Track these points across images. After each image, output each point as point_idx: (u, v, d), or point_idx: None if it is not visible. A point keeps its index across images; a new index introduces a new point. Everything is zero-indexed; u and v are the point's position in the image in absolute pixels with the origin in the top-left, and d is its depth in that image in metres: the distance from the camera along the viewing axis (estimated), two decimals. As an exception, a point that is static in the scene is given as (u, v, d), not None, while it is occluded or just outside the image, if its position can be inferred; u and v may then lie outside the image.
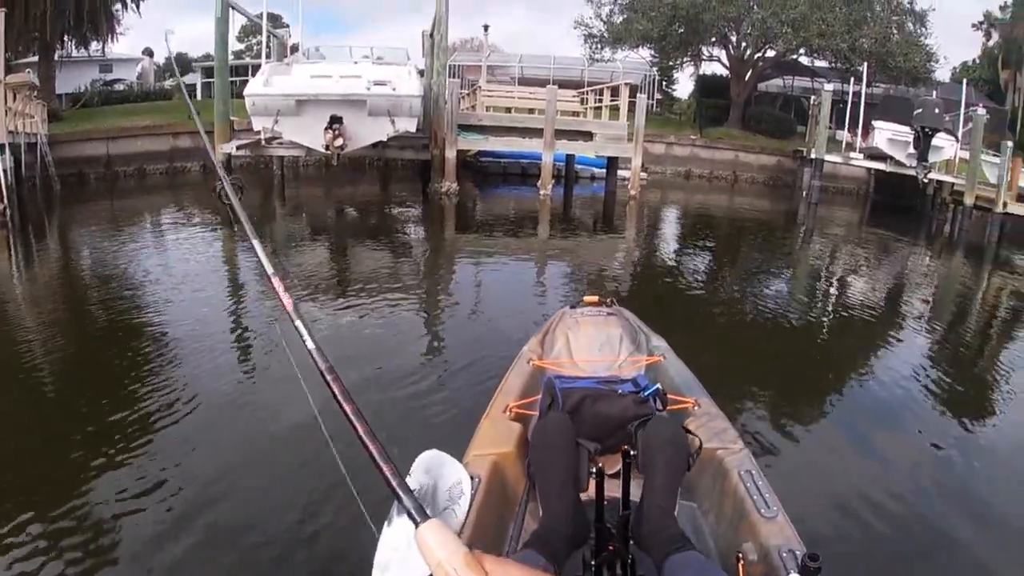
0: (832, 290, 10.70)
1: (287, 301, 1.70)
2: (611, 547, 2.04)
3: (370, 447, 1.27)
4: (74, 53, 26.80)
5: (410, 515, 1.21)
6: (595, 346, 3.84)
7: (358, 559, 2.30)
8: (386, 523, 1.95)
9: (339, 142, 13.41)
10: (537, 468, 2.49)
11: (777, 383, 6.00)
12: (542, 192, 15.98)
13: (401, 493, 1.18)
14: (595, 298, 4.51)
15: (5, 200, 12.88)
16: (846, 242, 15.33)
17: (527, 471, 2.68)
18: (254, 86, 13.72)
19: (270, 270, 2.00)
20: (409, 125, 13.96)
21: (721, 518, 2.54)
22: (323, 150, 13.80)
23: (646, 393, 2.97)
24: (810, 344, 7.64)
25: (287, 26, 24.67)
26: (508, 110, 19.89)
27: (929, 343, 8.03)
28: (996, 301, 10.93)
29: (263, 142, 14.51)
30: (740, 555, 2.17)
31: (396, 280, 9.14)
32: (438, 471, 2.06)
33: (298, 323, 1.61)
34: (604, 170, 18.47)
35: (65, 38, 23.78)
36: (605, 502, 2.05)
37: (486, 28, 27.44)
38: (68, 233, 13.74)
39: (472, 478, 2.26)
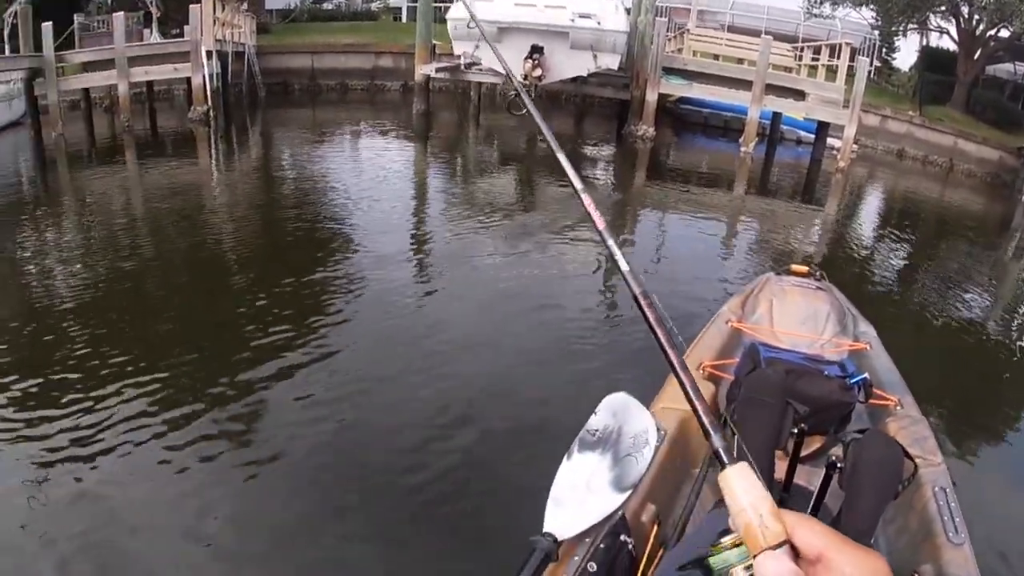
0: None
1: (599, 221, 1.53)
2: None
3: (682, 377, 1.07)
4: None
5: (717, 455, 1.04)
6: (799, 319, 3.50)
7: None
8: (565, 457, 2.05)
9: (538, 72, 13.00)
10: (742, 417, 2.43)
11: (979, 397, 5.42)
12: (743, 149, 14.86)
13: (711, 431, 1.03)
14: (804, 268, 4.22)
15: (209, 102, 13.65)
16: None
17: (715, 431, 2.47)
18: (457, 10, 13.51)
19: (579, 186, 1.81)
20: (612, 62, 13.33)
21: (903, 531, 2.37)
22: (521, 79, 13.42)
23: (852, 380, 2.83)
24: (1013, 361, 6.64)
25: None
26: (716, 57, 18.59)
27: None
28: None
29: (462, 67, 14.34)
30: (916, 575, 2.04)
31: (578, 216, 8.77)
32: (624, 415, 2.09)
33: (610, 242, 1.47)
34: (812, 135, 16.94)
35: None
36: (793, 486, 1.94)
37: (698, -32, 25.94)
38: (267, 135, 14.48)
39: (659, 429, 2.29)
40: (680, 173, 13.97)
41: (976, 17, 23.22)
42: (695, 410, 1.28)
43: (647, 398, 2.58)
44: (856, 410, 2.87)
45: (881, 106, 22.69)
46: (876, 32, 27.97)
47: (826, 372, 2.87)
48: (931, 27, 25.66)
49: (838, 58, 16.76)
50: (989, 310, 8.44)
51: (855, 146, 16.82)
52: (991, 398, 5.47)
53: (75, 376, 4.16)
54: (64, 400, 3.88)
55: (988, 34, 23.66)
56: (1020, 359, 6.76)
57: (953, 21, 24.32)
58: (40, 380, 4.10)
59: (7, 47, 14.24)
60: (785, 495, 1.98)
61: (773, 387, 2.46)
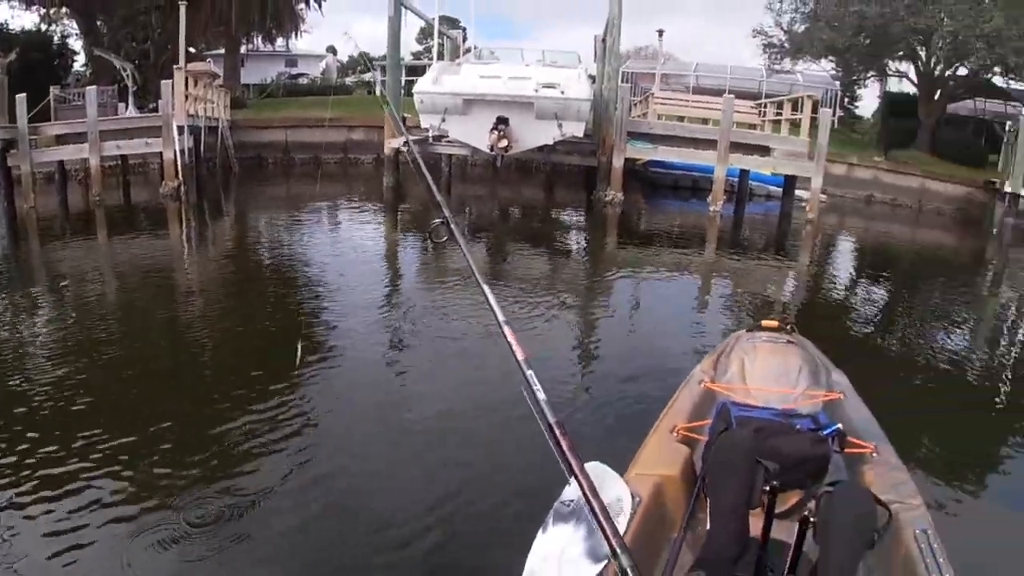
0: (1016, 347, 9.27)
1: (519, 352, 1.78)
2: None
3: (593, 503, 1.30)
4: (261, 47, 28.65)
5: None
6: (771, 375, 3.54)
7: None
8: (540, 530, 2.05)
9: (504, 143, 13.22)
10: (713, 482, 2.46)
11: (958, 437, 5.38)
12: (712, 208, 15.03)
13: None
14: (775, 323, 4.22)
15: (180, 177, 13.78)
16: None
17: (695, 492, 2.68)
18: (423, 84, 13.81)
19: (501, 318, 2.08)
20: (576, 130, 13.56)
21: None
22: (487, 150, 13.63)
23: (825, 432, 2.85)
24: (993, 399, 6.66)
25: (463, 28, 24.95)
26: (681, 119, 18.97)
27: None
28: None
29: (430, 139, 14.54)
30: None
31: (550, 283, 9.00)
32: (600, 484, 2.02)
33: (529, 373, 1.68)
34: (780, 188, 17.17)
35: (252, 34, 25.40)
36: (770, 541, 1.93)
37: (660, 33, 26.58)
38: (239, 210, 14.62)
39: (633, 497, 2.33)
40: (650, 235, 14.11)
41: (934, 58, 23.81)
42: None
43: (622, 466, 2.60)
44: (833, 460, 2.86)
45: (847, 154, 23.09)
46: (837, 83, 28.66)
47: (798, 427, 2.89)
48: (890, 72, 26.30)
49: (801, 111, 17.13)
50: (967, 348, 8.44)
51: (823, 196, 17.08)
52: (970, 437, 5.47)
53: (37, 458, 4.06)
54: (27, 483, 3.82)
55: (947, 74, 24.27)
56: (998, 396, 6.76)
57: (911, 65, 24.93)
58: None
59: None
60: (762, 552, 1.98)
61: (741, 449, 2.47)
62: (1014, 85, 24.59)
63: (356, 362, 5.84)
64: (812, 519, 2.13)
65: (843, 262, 14.70)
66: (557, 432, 1.61)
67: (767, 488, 2.14)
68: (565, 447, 1.60)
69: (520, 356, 1.92)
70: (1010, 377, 7.38)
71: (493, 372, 5.30)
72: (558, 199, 18.50)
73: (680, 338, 6.98)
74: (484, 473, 4.15)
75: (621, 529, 2.04)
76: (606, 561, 2.01)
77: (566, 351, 6.49)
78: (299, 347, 5.00)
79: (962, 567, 2.24)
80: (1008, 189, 18.01)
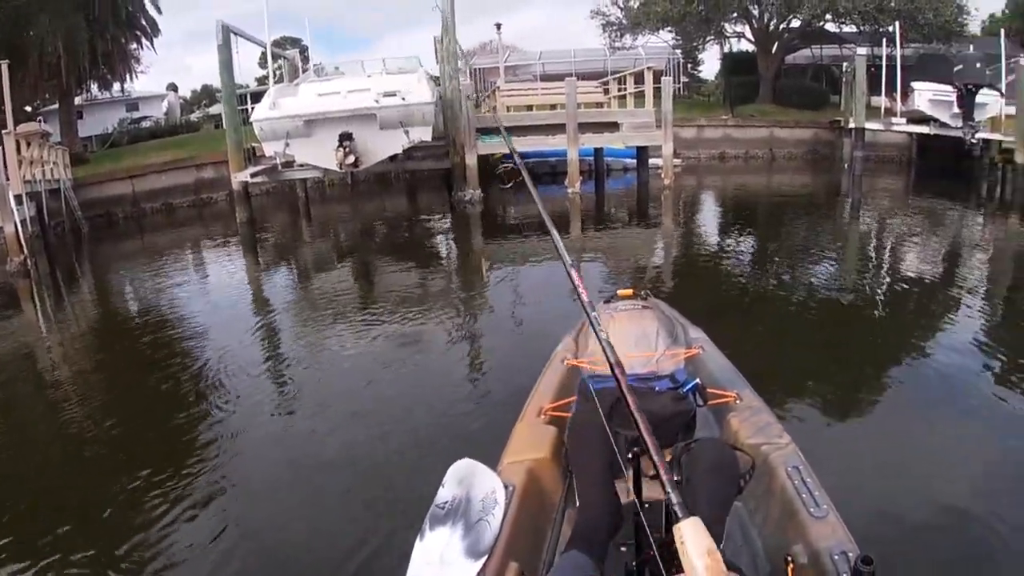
0: (883, 267, 9.91)
1: (583, 294, 1.95)
2: (651, 552, 1.92)
3: (648, 442, 1.33)
4: (99, 95, 27.14)
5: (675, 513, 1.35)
6: (631, 341, 3.53)
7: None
8: (418, 538, 2.05)
9: (351, 159, 12.98)
10: (574, 463, 2.49)
11: (828, 371, 5.62)
12: (570, 190, 15.33)
13: (670, 489, 1.35)
14: (629, 291, 4.30)
15: (26, 251, 12.79)
16: (894, 213, 14.37)
17: (564, 472, 2.71)
18: (260, 110, 13.39)
19: (568, 260, 2.27)
20: (424, 134, 13.46)
21: (768, 519, 2.41)
22: (337, 169, 13.37)
23: (685, 389, 2.90)
24: (863, 326, 7.09)
25: (304, 47, 24.46)
26: (530, 108, 19.21)
27: (993, 318, 7.20)
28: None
29: (279, 167, 14.14)
30: (789, 557, 2.07)
31: (423, 293, 8.97)
32: (471, 480, 2.14)
33: (593, 315, 1.77)
34: (636, 160, 17.68)
35: (86, 82, 23.98)
36: (645, 504, 1.96)
37: (498, 26, 26.95)
38: (96, 274, 13.70)
39: (506, 486, 2.35)
40: (514, 227, 14.17)
41: (767, 14, 25.05)
42: (656, 470, 1.55)
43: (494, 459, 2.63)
44: (699, 414, 2.91)
45: (695, 117, 24.06)
46: (679, 51, 29.71)
47: (657, 388, 2.92)
48: (728, 34, 27.41)
49: (644, 84, 17.65)
50: (831, 281, 8.83)
51: (678, 161, 17.71)
52: (839, 371, 5.64)
53: None
54: None
55: (781, 27, 25.57)
56: (866, 325, 7.04)
57: (747, 24, 26.10)
58: None
59: None
60: (638, 517, 1.96)
61: (592, 423, 2.45)
62: (847, 29, 25.90)
63: (246, 410, 5.54)
64: (676, 478, 2.13)
65: (704, 219, 15.30)
66: (616, 371, 1.83)
67: (631, 455, 2.13)
68: (623, 385, 1.81)
69: (584, 297, 2.12)
70: (878, 308, 7.78)
71: (384, 402, 5.30)
72: (422, 205, 18.38)
73: (549, 321, 6.87)
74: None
75: (498, 520, 2.12)
76: (486, 556, 2.05)
77: (456, 362, 6.44)
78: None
79: (837, 492, 2.31)
80: (852, 125, 19.21)
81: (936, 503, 3.57)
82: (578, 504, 2.40)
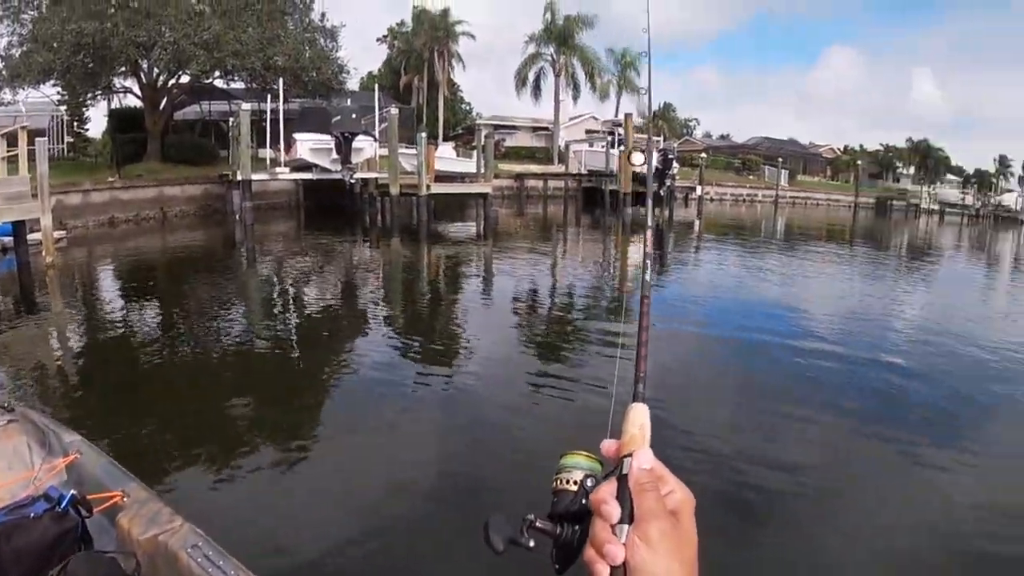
0: (289, 305, 10.73)
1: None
2: None
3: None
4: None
5: None
6: (3, 465, 3.25)
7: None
8: None
9: None
10: None
11: (238, 424, 5.87)
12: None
13: None
14: None
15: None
16: (290, 254, 15.74)
17: None
18: None
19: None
20: None
21: None
22: None
23: (62, 506, 2.65)
24: (280, 367, 7.59)
25: None
26: None
27: (396, 323, 8.38)
28: (444, 265, 12.19)
29: None
30: None
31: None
32: None
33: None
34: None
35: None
36: None
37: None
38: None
39: None
40: None
41: (156, 69, 24.61)
42: None
43: None
44: (94, 523, 2.71)
45: (81, 181, 22.23)
46: (63, 107, 27.23)
47: (32, 514, 2.60)
48: (116, 89, 26.35)
49: (18, 146, 15.38)
50: (239, 332, 9.05)
51: (63, 233, 16.13)
52: (252, 413, 6.00)
53: None
54: None
55: (170, 83, 25.48)
56: (281, 366, 7.45)
57: (135, 79, 25.28)
58: None
59: None
60: None
61: None
62: (235, 85, 27.18)
63: None
64: None
65: (100, 297, 14.09)
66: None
67: None
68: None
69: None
70: (282, 342, 8.13)
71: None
72: None
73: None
74: None
75: None
76: None
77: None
78: None
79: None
80: (240, 177, 20.14)
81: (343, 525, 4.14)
82: None
